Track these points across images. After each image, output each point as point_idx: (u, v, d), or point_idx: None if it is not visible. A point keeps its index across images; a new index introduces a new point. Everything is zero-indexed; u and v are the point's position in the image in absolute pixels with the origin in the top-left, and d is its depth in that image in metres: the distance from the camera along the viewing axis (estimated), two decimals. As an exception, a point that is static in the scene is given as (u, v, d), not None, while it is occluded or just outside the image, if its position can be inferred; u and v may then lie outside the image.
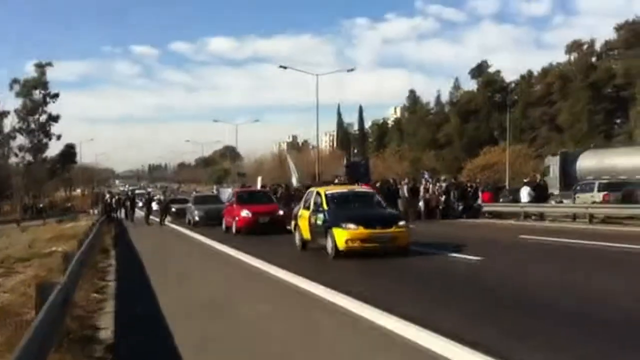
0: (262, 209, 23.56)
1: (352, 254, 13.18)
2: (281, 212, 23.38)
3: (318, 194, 15.48)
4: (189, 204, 33.20)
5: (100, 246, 18.33)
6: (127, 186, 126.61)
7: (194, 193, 47.60)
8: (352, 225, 13.36)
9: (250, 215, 22.82)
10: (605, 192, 26.02)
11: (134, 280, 11.90)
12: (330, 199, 14.94)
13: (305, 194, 17.21)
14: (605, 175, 28.69)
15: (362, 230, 13.29)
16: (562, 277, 10.48)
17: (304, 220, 15.74)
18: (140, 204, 46.87)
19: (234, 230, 23.03)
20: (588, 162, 31.83)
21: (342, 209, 14.61)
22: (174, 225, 30.80)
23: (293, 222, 17.01)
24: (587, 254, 14.13)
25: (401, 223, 13.91)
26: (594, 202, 25.18)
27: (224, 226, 24.90)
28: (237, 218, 23.05)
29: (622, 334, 6.41)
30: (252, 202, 24.14)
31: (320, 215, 14.60)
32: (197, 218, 29.84)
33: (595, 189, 26.89)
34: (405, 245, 13.58)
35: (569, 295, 8.74)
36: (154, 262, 14.79)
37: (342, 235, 13.28)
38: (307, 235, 15.56)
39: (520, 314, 7.60)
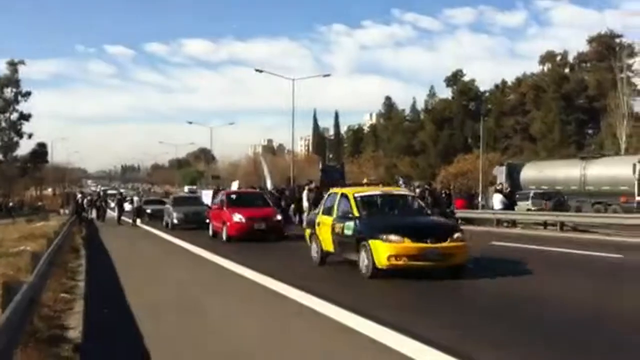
0: (257, 213, 20.58)
1: (395, 272, 10.75)
2: (279, 217, 21.05)
3: (345, 196, 12.69)
4: (167, 205, 31.24)
5: (70, 246, 18.11)
6: (98, 186, 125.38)
7: (161, 194, 46.73)
8: (395, 237, 10.67)
9: (243, 220, 19.93)
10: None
11: (104, 280, 11.76)
12: (361, 203, 12.20)
13: (325, 197, 14.39)
14: (545, 185, 30.54)
15: (409, 244, 10.61)
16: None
17: (325, 229, 12.88)
18: (112, 205, 46.30)
19: (224, 237, 20.22)
20: (530, 172, 33.76)
21: (378, 216, 12.20)
22: (147, 227, 30.13)
23: (308, 231, 14.14)
24: (557, 259, 14.44)
25: (457, 235, 11.12)
26: (528, 210, 27.10)
27: (210, 231, 22.37)
28: (227, 223, 20.11)
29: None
30: (244, 205, 21.22)
31: (350, 224, 11.83)
32: (175, 220, 28.08)
33: (530, 198, 28.60)
34: (462, 264, 11.02)
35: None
36: (126, 263, 14.62)
37: (383, 250, 10.59)
38: (328, 247, 12.79)
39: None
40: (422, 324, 7.26)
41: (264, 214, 20.66)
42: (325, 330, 7.22)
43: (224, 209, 21.04)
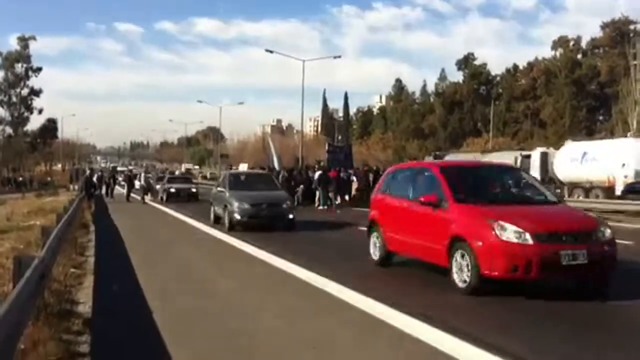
0: (562, 222, 8.32)
1: None
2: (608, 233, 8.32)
3: None
4: (220, 189, 19.52)
5: (79, 222, 18.21)
6: (108, 163, 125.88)
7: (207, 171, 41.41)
8: None
9: (531, 241, 7.69)
10: None
11: (113, 256, 11.85)
12: None
13: None
14: None
15: None
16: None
17: None
18: (122, 181, 46.23)
19: (465, 278, 8.07)
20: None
21: None
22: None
23: None
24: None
25: None
26: None
27: (376, 250, 10.73)
28: (479, 243, 7.97)
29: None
30: (500, 199, 9.41)
31: None
32: (237, 215, 17.04)
33: None
34: None
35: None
36: (134, 241, 14.69)
37: None
38: None
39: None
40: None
41: (577, 226, 8.28)
42: None
43: (449, 203, 8.77)
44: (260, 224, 17.03)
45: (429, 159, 38.95)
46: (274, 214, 17.46)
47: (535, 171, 29.06)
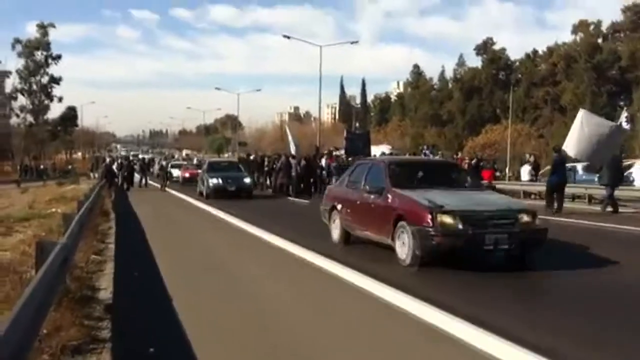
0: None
1: None
2: None
3: None
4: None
5: (100, 209, 18.39)
6: (128, 151, 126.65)
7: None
8: None
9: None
10: None
11: (133, 243, 11.96)
12: None
13: None
14: None
15: None
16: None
17: None
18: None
19: None
20: None
21: None
22: (180, 194, 29.64)
23: None
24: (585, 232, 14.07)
25: None
26: None
27: None
28: None
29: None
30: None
31: None
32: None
33: None
34: None
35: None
36: (155, 228, 14.80)
37: None
38: None
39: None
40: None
41: None
42: None
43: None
44: None
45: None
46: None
47: None
